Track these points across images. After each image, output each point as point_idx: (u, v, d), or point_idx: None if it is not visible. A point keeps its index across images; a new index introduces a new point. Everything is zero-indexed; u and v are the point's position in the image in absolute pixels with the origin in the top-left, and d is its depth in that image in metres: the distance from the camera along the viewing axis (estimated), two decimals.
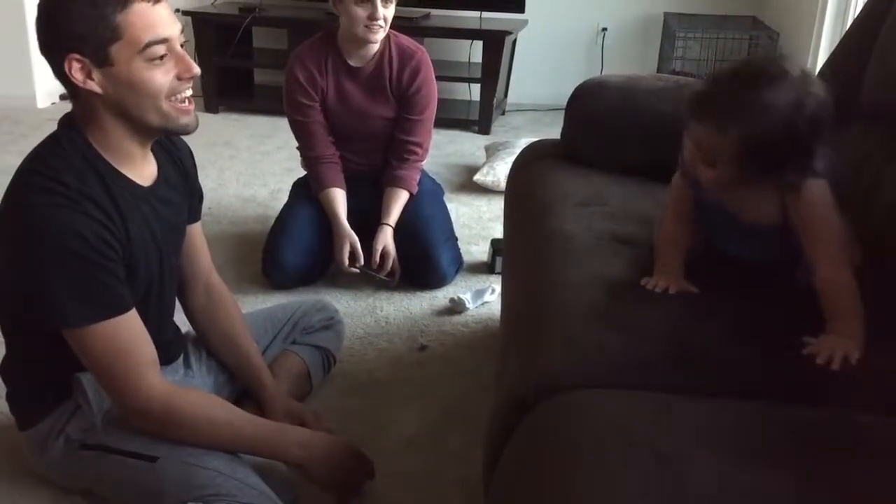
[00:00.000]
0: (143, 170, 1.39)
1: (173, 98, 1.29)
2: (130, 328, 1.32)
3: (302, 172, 2.54)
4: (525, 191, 1.86)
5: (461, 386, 1.93)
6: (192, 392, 1.45)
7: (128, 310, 1.32)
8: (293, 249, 2.34)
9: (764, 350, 1.16)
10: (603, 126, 1.83)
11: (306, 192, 2.45)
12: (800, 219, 1.25)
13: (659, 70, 4.16)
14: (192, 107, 1.33)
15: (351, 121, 2.39)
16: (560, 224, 1.56)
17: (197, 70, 1.30)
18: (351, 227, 2.36)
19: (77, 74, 1.24)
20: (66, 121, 1.34)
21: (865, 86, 1.68)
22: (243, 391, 1.69)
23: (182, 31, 1.31)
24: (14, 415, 1.49)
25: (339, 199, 2.38)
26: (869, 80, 1.66)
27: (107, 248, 1.27)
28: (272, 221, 2.48)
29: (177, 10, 4.03)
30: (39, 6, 1.25)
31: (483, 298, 2.31)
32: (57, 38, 1.23)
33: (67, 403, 1.42)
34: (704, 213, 1.37)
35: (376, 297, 2.34)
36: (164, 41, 1.25)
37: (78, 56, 1.22)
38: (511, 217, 1.91)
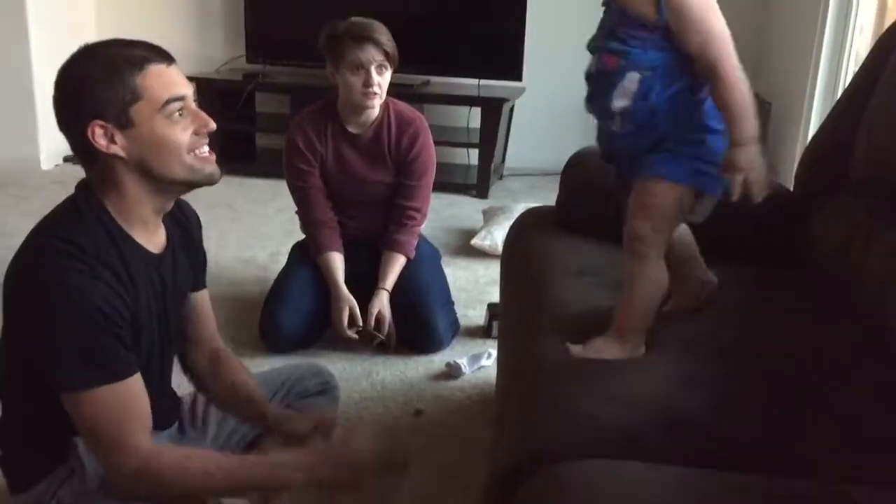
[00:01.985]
0: (154, 237, 1.40)
1: (194, 152, 1.34)
2: (131, 393, 1.31)
3: (301, 236, 2.56)
4: (521, 257, 1.88)
5: (457, 452, 1.92)
6: (179, 448, 1.43)
7: (131, 375, 1.31)
8: (290, 313, 2.35)
9: (753, 420, 1.17)
10: (597, 195, 1.86)
11: (305, 256, 2.47)
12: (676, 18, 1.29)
13: None
14: (213, 157, 1.37)
15: (350, 186, 2.43)
16: (555, 292, 1.58)
17: (213, 125, 1.35)
18: (349, 291, 2.37)
19: (101, 140, 1.27)
20: (82, 185, 1.37)
21: (854, 158, 1.72)
22: (244, 451, 1.68)
23: (195, 92, 1.36)
24: (6, 477, 1.48)
25: (338, 263, 2.40)
26: (857, 153, 1.70)
27: (117, 315, 1.28)
28: (271, 284, 2.50)
29: None
30: (58, 83, 1.29)
31: (479, 363, 2.31)
32: (79, 109, 1.27)
33: (62, 468, 1.41)
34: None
35: (372, 361, 2.34)
36: (181, 98, 1.30)
37: (100, 122, 1.26)
38: (507, 283, 1.93)
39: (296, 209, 2.52)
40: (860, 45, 3.35)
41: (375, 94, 2.31)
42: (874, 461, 1.10)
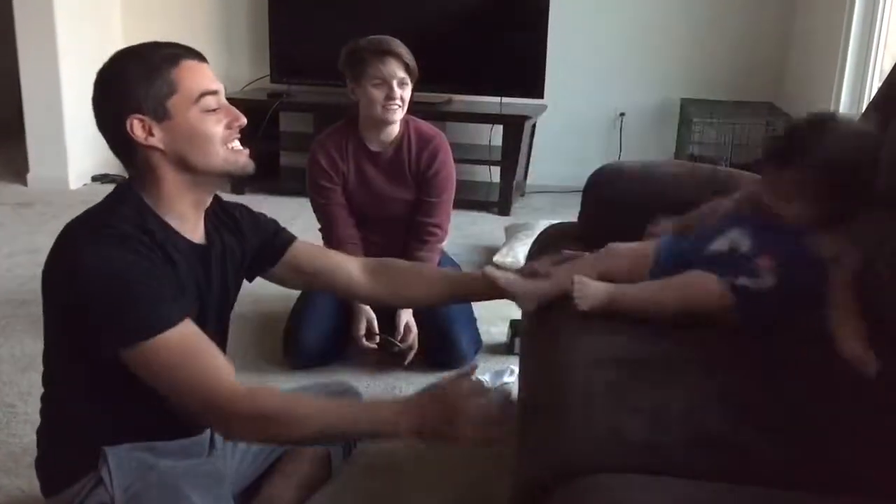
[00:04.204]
0: (194, 231, 1.43)
1: (227, 144, 1.38)
2: (196, 331, 1.32)
3: None
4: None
5: (480, 468, 1.92)
6: (269, 388, 1.42)
7: (185, 319, 1.31)
8: (313, 329, 2.37)
9: (780, 435, 1.16)
10: (619, 211, 1.86)
11: None
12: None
13: (676, 154, 4.22)
14: (246, 150, 1.42)
15: (371, 203, 2.45)
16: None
17: (244, 119, 1.40)
18: (372, 308, 2.38)
19: (139, 132, 1.31)
20: (121, 184, 1.41)
21: (882, 173, 1.70)
22: (268, 470, 1.68)
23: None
24: (39, 479, 1.50)
25: None
26: (885, 168, 1.68)
27: (154, 270, 1.30)
28: (293, 301, 2.51)
29: None
30: (98, 82, 1.34)
31: (502, 379, 2.31)
32: (118, 104, 1.32)
33: (90, 476, 1.42)
34: None
35: (395, 377, 2.35)
36: (215, 93, 1.36)
37: (139, 115, 1.31)
38: None
39: (319, 227, 2.54)
40: (885, 58, 3.33)
41: (398, 106, 2.33)
42: None
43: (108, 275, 1.26)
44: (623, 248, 1.56)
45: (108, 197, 1.39)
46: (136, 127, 1.31)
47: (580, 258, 1.59)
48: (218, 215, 1.51)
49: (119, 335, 1.28)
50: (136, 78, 1.31)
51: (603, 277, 1.50)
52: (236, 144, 1.40)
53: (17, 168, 4.39)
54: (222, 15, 4.60)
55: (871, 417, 1.20)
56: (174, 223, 1.38)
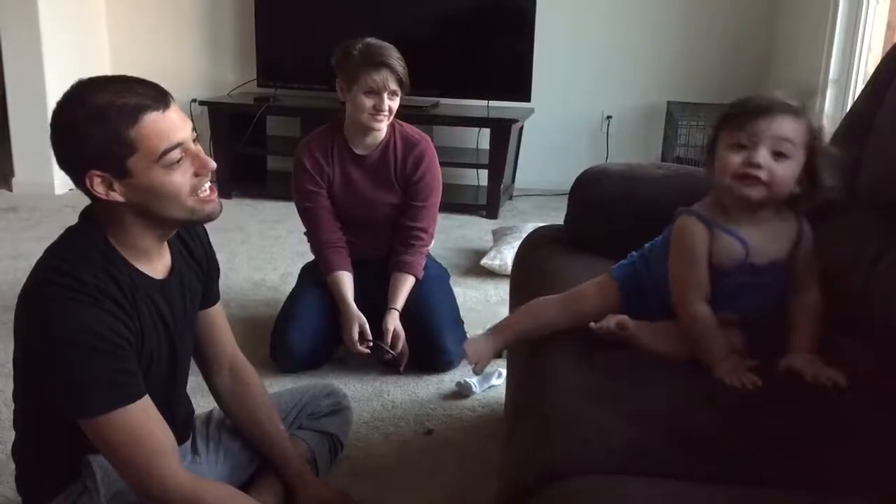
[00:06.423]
0: (159, 263, 1.41)
1: (195, 193, 1.33)
2: (147, 415, 1.33)
3: (311, 257, 2.58)
4: (531, 276, 1.88)
5: (467, 471, 1.92)
6: (214, 485, 1.45)
7: (142, 396, 1.33)
8: (301, 333, 2.36)
9: (765, 436, 1.16)
10: (605, 213, 1.87)
11: (315, 277, 2.48)
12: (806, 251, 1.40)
13: (663, 156, 4.24)
14: (214, 195, 1.36)
15: (357, 207, 2.45)
16: None
17: (213, 164, 1.33)
18: (359, 310, 2.38)
19: (99, 188, 1.27)
20: (86, 215, 1.37)
21: (863, 175, 1.71)
22: (253, 475, 1.69)
23: (193, 128, 1.34)
24: (21, 495, 1.49)
25: (346, 282, 2.41)
26: (866, 170, 1.70)
27: (121, 339, 1.30)
28: (281, 305, 2.51)
29: (194, 100, 4.17)
30: (53, 127, 1.29)
31: (490, 382, 2.31)
32: (75, 158, 1.28)
33: (76, 485, 1.42)
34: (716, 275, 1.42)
35: (383, 380, 2.35)
36: (179, 145, 1.28)
37: (98, 172, 1.26)
38: (517, 302, 1.92)
39: (304, 230, 2.54)
40: (869, 61, 3.35)
41: (384, 117, 2.34)
42: (884, 475, 1.09)
43: (73, 344, 1.25)
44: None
45: (73, 235, 1.35)
46: (96, 183, 1.27)
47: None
48: (179, 233, 1.48)
49: (72, 405, 1.29)
50: (92, 136, 1.24)
51: None
52: (205, 190, 1.34)
53: (1, 173, 4.37)
54: (209, 19, 4.59)
55: (856, 419, 1.21)
56: (139, 260, 1.36)
